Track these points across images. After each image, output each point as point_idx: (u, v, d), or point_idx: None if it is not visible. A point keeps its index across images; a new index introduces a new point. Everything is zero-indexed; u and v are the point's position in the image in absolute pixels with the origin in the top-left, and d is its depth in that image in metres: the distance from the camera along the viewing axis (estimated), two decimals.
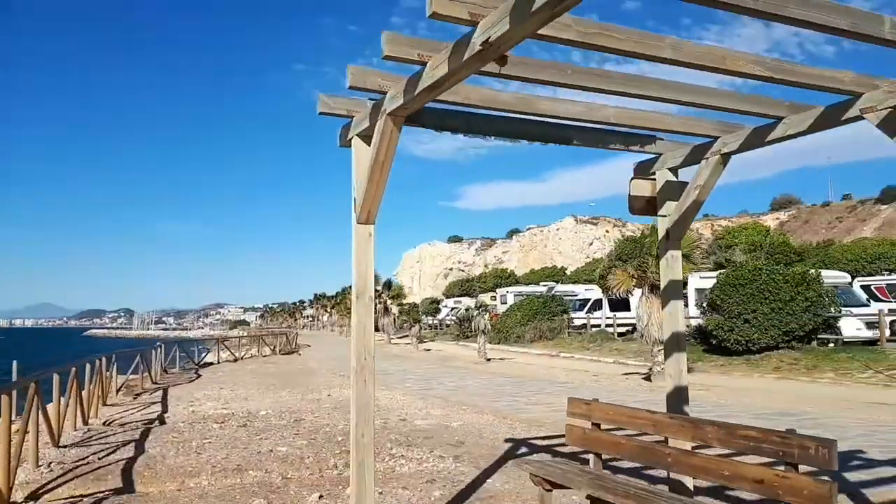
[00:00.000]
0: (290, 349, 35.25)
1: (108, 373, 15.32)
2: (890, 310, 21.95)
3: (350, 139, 4.57)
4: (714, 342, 20.92)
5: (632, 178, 5.56)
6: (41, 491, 7.65)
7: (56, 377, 10.96)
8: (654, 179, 5.56)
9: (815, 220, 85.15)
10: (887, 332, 20.72)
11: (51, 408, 10.34)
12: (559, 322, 32.67)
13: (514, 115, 4.55)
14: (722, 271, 21.56)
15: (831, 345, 19.86)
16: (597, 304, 34.16)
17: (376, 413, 12.62)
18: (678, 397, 5.26)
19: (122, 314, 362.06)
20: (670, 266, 5.45)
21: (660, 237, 5.57)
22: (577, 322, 33.36)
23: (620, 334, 29.80)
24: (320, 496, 6.65)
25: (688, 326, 18.04)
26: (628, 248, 29.87)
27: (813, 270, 20.84)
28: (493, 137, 4.79)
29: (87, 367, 13.17)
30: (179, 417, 12.84)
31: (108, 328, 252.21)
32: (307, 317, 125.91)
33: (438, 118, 4.60)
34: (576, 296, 37.29)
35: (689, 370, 19.41)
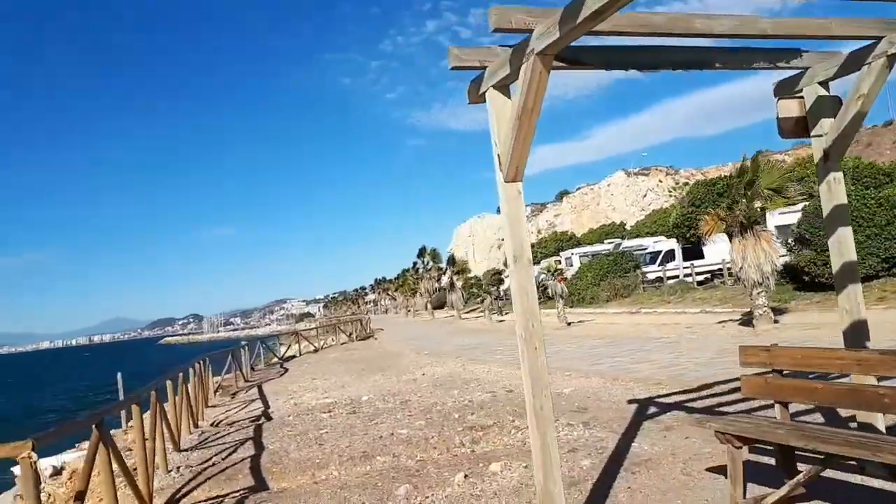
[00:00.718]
0: (365, 335, 35.51)
1: (205, 375, 15.59)
2: None
3: (483, 92, 4.22)
4: (806, 279, 19.97)
5: (778, 100, 5.06)
6: (178, 496, 7.71)
7: (169, 383, 11.16)
8: (802, 98, 5.04)
9: (878, 141, 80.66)
10: None
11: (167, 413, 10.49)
12: (633, 278, 31.86)
13: (662, 36, 4.10)
14: (806, 203, 20.46)
15: None
16: (669, 256, 33.26)
17: (479, 386, 12.45)
18: (858, 332, 4.81)
19: (192, 320, 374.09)
20: (832, 190, 4.96)
21: (816, 159, 5.07)
22: (651, 276, 32.53)
23: (699, 283, 28.95)
24: (465, 475, 6.44)
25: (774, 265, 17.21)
26: (701, 191, 28.92)
27: None
28: (633, 70, 4.37)
29: (190, 371, 13.37)
30: (284, 411, 12.91)
31: (180, 335, 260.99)
32: (369, 302, 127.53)
33: (575, 56, 4.20)
34: (645, 249, 36.32)
35: (784, 311, 18.50)
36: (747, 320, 18.11)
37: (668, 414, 8.06)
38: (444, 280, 44.02)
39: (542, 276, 26.39)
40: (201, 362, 14.93)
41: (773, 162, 13.92)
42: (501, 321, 33.74)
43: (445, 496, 5.98)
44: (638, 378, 10.99)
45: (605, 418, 8.24)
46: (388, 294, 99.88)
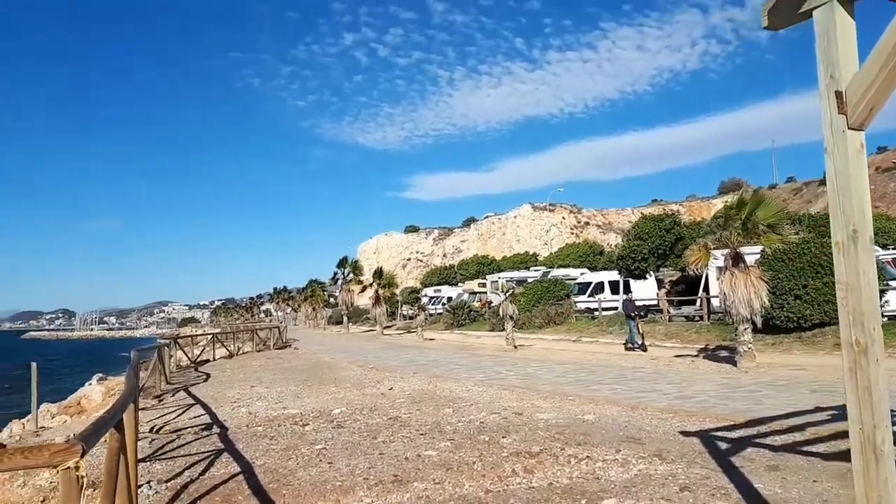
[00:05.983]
0: (283, 344, 33.20)
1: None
2: None
3: (809, 10, 3.15)
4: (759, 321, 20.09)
5: None
6: None
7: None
8: None
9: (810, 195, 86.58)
10: None
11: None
12: (566, 306, 31.62)
13: None
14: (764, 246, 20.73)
15: (885, 318, 19.31)
16: (599, 287, 33.44)
17: (474, 406, 11.15)
18: None
19: (61, 315, 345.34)
20: None
21: None
22: (581, 306, 32.46)
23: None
24: None
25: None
26: (648, 226, 29.11)
27: None
28: None
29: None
30: (240, 421, 11.12)
31: (47, 330, 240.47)
32: (264, 311, 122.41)
33: None
34: (574, 280, 36.39)
35: (733, 349, 18.27)
36: (713, 355, 17.90)
37: (748, 450, 7.15)
38: (369, 293, 42.20)
39: (504, 296, 25.49)
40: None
41: (768, 197, 13.60)
42: (432, 339, 32.47)
43: None
44: (661, 408, 10.10)
45: (677, 452, 7.23)
46: (288, 305, 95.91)
